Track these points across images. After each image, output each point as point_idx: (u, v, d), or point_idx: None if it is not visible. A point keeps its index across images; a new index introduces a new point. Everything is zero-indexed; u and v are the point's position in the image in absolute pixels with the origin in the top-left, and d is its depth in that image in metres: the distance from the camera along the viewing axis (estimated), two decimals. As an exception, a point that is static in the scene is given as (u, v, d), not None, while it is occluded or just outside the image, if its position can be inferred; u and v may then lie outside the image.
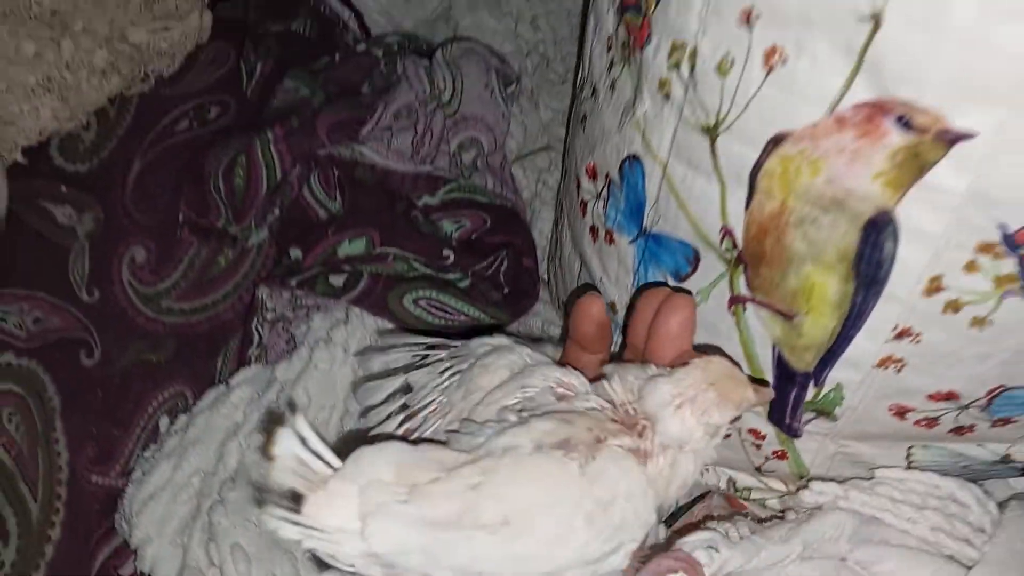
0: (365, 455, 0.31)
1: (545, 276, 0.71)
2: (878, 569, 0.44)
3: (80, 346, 0.67)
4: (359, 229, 0.66)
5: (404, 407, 0.40)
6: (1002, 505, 0.48)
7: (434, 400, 0.39)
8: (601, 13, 0.51)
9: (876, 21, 0.34)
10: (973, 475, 0.49)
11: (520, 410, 0.35)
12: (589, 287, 0.58)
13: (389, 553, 0.30)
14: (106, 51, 0.77)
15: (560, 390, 0.36)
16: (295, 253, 0.68)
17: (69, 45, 0.75)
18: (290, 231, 0.69)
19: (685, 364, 0.36)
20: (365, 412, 0.42)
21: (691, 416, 0.34)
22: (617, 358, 0.44)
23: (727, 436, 0.50)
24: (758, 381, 0.38)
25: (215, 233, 0.71)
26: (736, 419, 0.36)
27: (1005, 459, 0.48)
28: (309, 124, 0.68)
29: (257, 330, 0.65)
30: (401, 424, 0.40)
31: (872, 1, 0.34)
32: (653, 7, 0.44)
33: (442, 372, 0.40)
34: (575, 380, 0.37)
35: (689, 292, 0.46)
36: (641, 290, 0.48)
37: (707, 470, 0.57)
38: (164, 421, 0.63)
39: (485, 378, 0.38)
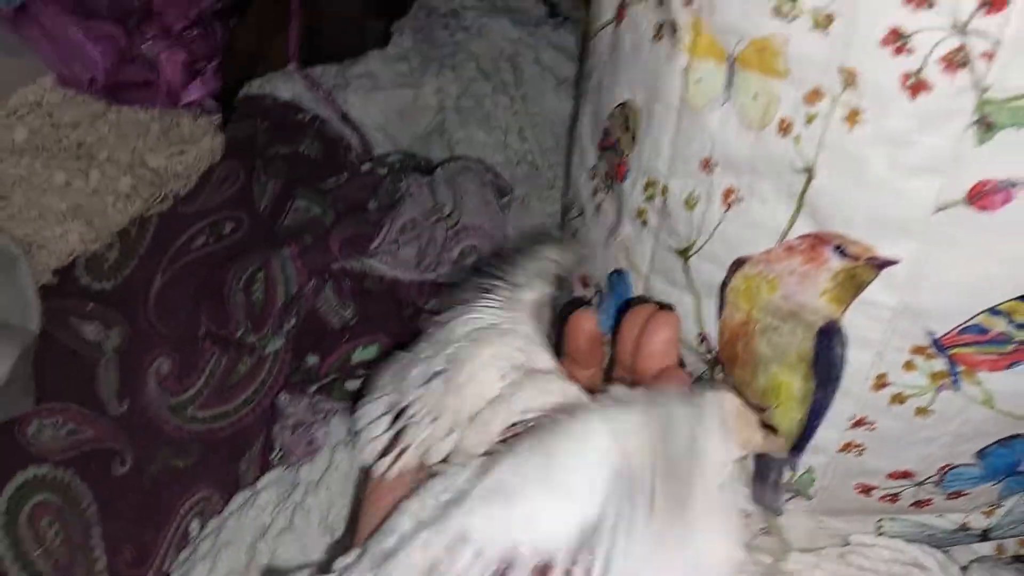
0: None
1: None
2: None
3: (112, 455, 0.73)
4: (371, 336, 0.74)
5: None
6: (965, 568, 0.54)
7: (421, 411, 0.38)
8: (584, 147, 0.60)
9: (809, 173, 0.43)
10: (938, 542, 0.56)
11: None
12: (580, 302, 0.63)
13: None
14: (129, 177, 0.85)
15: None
16: (311, 360, 0.75)
17: (96, 174, 0.84)
18: (306, 339, 0.76)
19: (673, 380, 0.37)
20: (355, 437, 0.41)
21: None
22: (607, 373, 0.45)
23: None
24: (770, 427, 0.38)
25: (234, 343, 0.78)
26: (743, 457, 0.35)
27: (964, 527, 0.55)
28: (322, 241, 0.76)
29: (278, 435, 0.71)
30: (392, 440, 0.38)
31: (804, 158, 0.42)
32: (629, 151, 0.53)
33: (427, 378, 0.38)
34: (578, 398, 0.36)
35: (672, 308, 0.52)
36: (627, 307, 0.49)
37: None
38: (195, 524, 0.69)
39: (473, 387, 0.37)
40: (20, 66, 0.82)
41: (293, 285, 0.76)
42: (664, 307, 0.45)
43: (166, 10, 0.87)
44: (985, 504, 0.54)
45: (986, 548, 0.59)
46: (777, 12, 0.40)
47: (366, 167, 0.85)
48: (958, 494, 0.52)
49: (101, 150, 0.86)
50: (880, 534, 0.56)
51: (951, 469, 0.50)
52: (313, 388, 0.71)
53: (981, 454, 0.49)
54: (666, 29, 0.47)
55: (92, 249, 0.84)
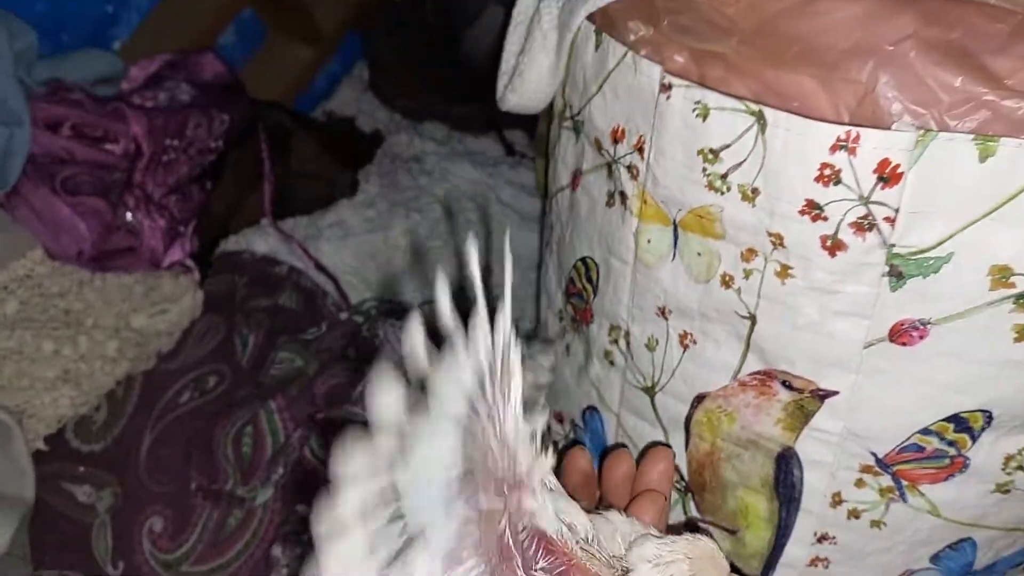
0: None
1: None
2: None
3: (111, 620, 0.75)
4: (360, 481, 0.77)
5: None
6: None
7: None
8: (551, 292, 0.66)
9: (752, 319, 0.49)
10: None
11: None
12: (576, 443, 0.68)
13: None
14: (115, 340, 0.90)
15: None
16: (302, 509, 0.78)
17: (84, 340, 0.88)
18: (295, 489, 0.80)
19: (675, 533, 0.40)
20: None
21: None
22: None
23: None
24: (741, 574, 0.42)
25: (224, 496, 0.81)
26: None
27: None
28: (307, 392, 0.80)
29: (275, 585, 0.74)
30: None
31: (747, 306, 0.49)
32: (592, 298, 0.59)
33: None
34: (581, 523, 0.39)
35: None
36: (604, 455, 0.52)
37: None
38: None
39: None
40: (11, 241, 0.87)
41: (280, 436, 0.80)
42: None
43: (146, 180, 0.93)
44: (950, 605, 0.59)
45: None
46: (710, 187, 0.47)
47: (343, 316, 0.90)
48: (922, 596, 0.57)
49: (88, 316, 0.90)
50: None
51: (912, 574, 0.55)
52: (306, 537, 0.75)
53: (935, 559, 0.54)
54: (616, 197, 0.54)
55: (81, 412, 0.88)
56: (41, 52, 0.92)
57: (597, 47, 0.53)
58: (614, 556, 0.38)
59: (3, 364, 0.86)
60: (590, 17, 0.53)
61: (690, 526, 0.52)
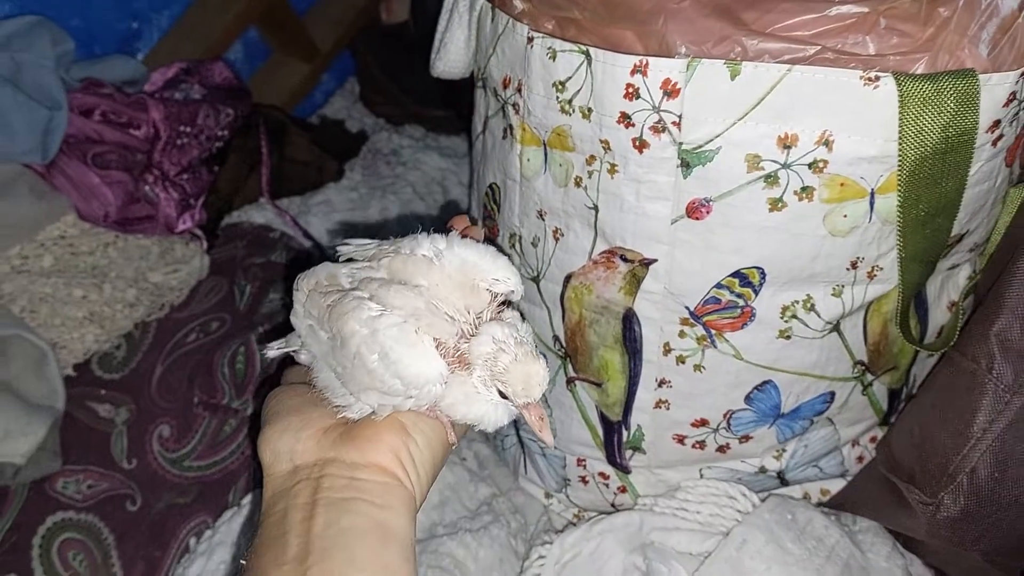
0: (309, 270, 0.57)
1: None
2: (671, 542, 0.72)
3: (125, 499, 0.95)
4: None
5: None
6: (764, 500, 0.77)
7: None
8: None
9: (596, 210, 0.69)
10: (748, 485, 0.78)
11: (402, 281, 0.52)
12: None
13: (294, 321, 0.56)
14: (134, 290, 1.10)
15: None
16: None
17: (108, 288, 1.09)
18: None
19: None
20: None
21: (488, 349, 0.50)
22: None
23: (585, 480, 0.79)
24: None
25: (221, 408, 1.01)
26: (503, 397, 0.51)
27: (762, 470, 0.78)
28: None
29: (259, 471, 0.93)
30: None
31: (591, 200, 0.68)
32: (498, 216, 0.79)
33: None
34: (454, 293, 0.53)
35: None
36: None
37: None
38: (193, 541, 0.90)
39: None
40: (49, 207, 1.08)
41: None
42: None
43: (163, 160, 1.14)
44: (771, 448, 0.77)
45: (796, 494, 0.81)
46: (562, 111, 0.68)
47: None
48: (747, 438, 0.75)
49: (111, 270, 1.11)
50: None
51: (732, 415, 0.74)
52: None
53: (748, 400, 0.73)
54: (508, 130, 0.74)
55: (104, 348, 1.08)
56: (76, 58, 1.14)
57: (492, 19, 0.74)
58: (468, 318, 0.52)
59: (40, 306, 1.07)
60: (489, -1, 0.74)
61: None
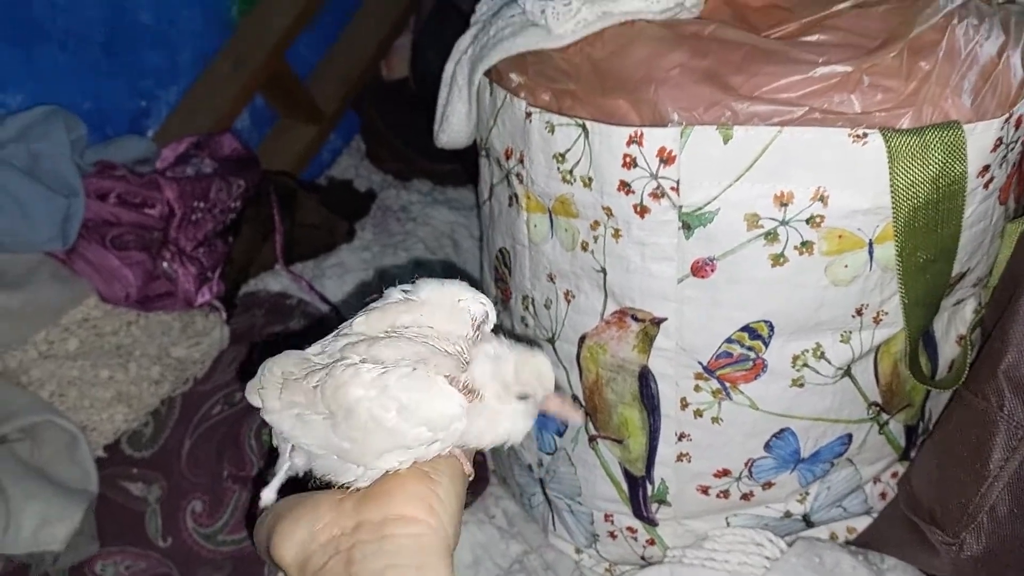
0: (267, 361, 0.52)
1: (491, 464, 1.04)
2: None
3: (163, 577, 0.97)
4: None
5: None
6: (791, 545, 0.78)
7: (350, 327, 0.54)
8: (487, 282, 0.89)
9: (604, 272, 0.71)
10: (774, 530, 0.80)
11: (385, 333, 0.50)
12: None
13: (272, 419, 0.51)
14: (158, 367, 1.14)
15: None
16: (312, 482, 1.00)
17: (133, 367, 1.12)
18: (306, 467, 1.02)
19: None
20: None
21: (489, 370, 0.49)
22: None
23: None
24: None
25: (251, 480, 1.04)
26: (524, 398, 0.51)
27: (787, 514, 0.80)
28: (312, 389, 1.03)
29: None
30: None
31: (599, 263, 0.71)
32: (509, 278, 0.82)
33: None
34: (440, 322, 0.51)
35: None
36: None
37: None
38: (233, 615, 0.92)
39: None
40: (71, 291, 1.12)
41: (293, 426, 1.03)
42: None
43: (179, 236, 1.18)
44: (795, 493, 0.79)
45: (823, 535, 0.83)
46: (563, 180, 0.71)
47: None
48: (770, 484, 0.77)
49: (135, 348, 1.15)
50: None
51: (753, 463, 0.76)
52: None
53: (767, 447, 0.75)
54: (513, 198, 0.77)
55: (132, 427, 1.11)
56: (89, 141, 1.18)
57: (491, 93, 0.77)
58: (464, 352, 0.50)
59: (68, 389, 1.10)
60: (486, 73, 0.78)
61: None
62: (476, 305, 0.52)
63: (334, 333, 0.54)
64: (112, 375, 1.12)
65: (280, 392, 0.52)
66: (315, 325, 1.19)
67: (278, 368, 0.52)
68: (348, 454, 0.50)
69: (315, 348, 0.53)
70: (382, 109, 1.58)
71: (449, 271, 1.28)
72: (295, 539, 0.50)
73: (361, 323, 0.52)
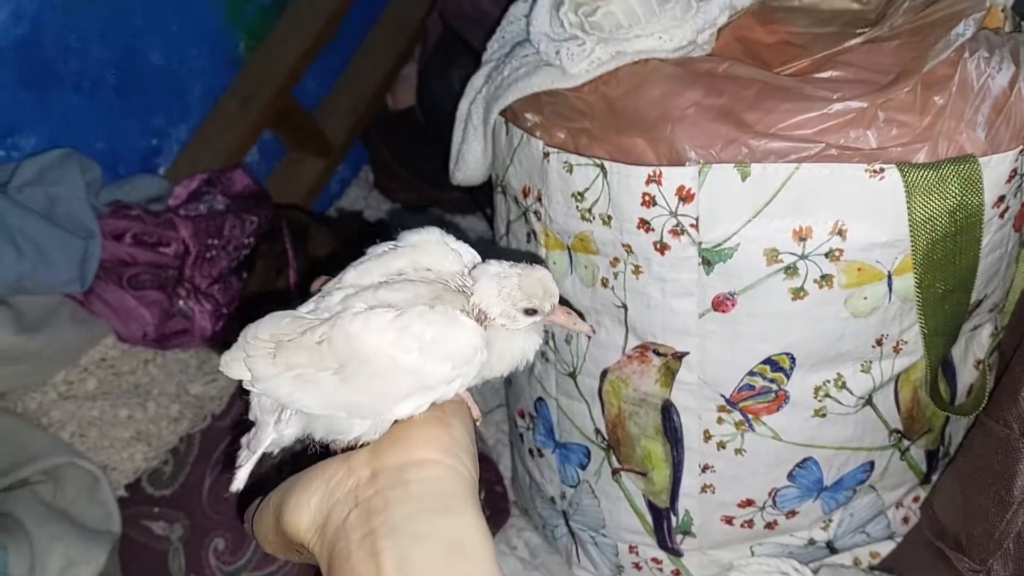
0: (248, 327, 0.48)
1: (511, 495, 1.04)
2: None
3: (188, 617, 0.98)
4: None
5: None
6: (817, 571, 0.79)
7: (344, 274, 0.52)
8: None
9: (625, 308, 0.72)
10: (799, 558, 0.81)
11: (382, 282, 0.49)
12: None
13: (266, 387, 0.48)
14: (177, 404, 1.15)
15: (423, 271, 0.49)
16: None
17: (152, 405, 1.13)
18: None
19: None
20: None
21: (494, 288, 0.48)
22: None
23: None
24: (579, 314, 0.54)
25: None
26: (532, 313, 0.49)
27: (811, 542, 0.81)
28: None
29: (315, 577, 0.96)
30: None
31: (619, 299, 0.72)
32: (527, 314, 0.83)
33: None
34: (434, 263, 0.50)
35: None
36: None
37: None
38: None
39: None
40: (90, 332, 1.13)
41: (313, 462, 1.04)
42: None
43: (194, 274, 1.19)
44: (818, 520, 0.80)
45: (846, 561, 0.83)
46: (583, 218, 0.72)
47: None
48: (793, 513, 0.78)
49: (153, 387, 1.15)
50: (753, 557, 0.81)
51: (777, 493, 0.77)
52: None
53: (790, 477, 0.76)
54: (531, 235, 0.79)
55: (152, 465, 1.12)
56: (103, 181, 1.20)
57: (507, 132, 0.78)
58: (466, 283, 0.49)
59: (88, 429, 1.11)
60: (502, 112, 0.79)
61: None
62: (461, 245, 0.51)
63: (321, 292, 0.51)
64: (131, 414, 1.13)
65: (274, 356, 0.48)
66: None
67: (264, 332, 0.49)
68: (360, 407, 0.48)
69: (307, 306, 0.51)
70: (388, 139, 1.59)
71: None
72: (310, 504, 0.47)
73: (353, 275, 0.51)
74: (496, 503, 1.01)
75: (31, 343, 1.05)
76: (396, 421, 0.48)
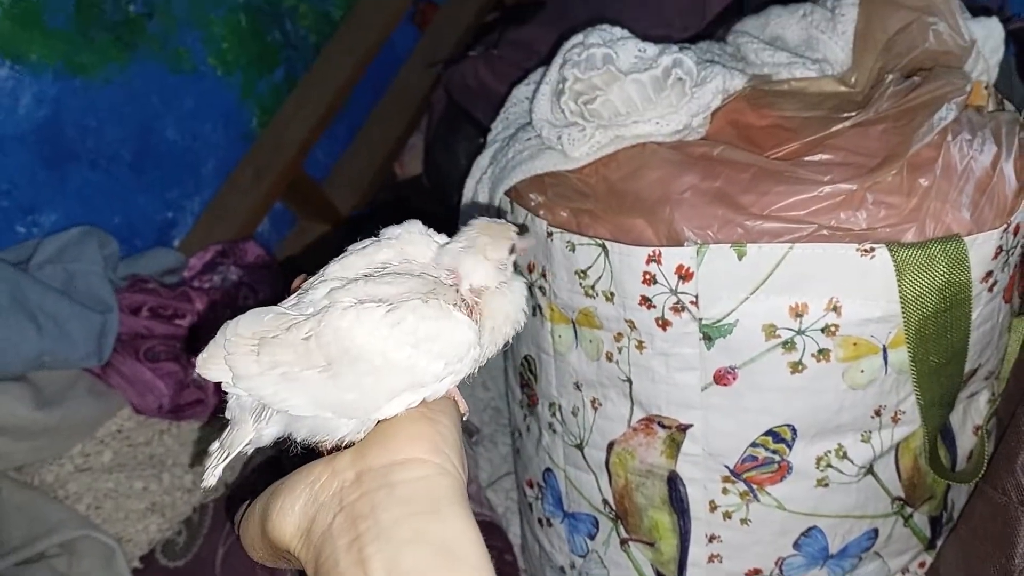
0: (227, 324, 0.46)
1: (521, 563, 1.05)
2: None
3: None
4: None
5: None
6: (826, 639, 0.80)
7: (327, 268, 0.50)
8: (513, 387, 0.93)
9: (630, 381, 0.75)
10: (809, 625, 0.82)
11: (367, 274, 0.47)
12: None
13: (249, 386, 0.46)
14: (191, 475, 1.16)
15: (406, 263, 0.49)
16: None
17: (167, 476, 1.15)
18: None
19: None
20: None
21: (477, 256, 0.48)
22: None
23: None
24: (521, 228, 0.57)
25: (287, 584, 1.06)
26: (512, 252, 0.50)
27: (820, 607, 0.82)
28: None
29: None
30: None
31: (624, 372, 0.75)
32: (535, 384, 0.85)
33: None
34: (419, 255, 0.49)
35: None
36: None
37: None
38: None
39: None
40: (106, 405, 1.16)
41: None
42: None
43: (208, 345, 1.22)
44: (828, 588, 0.81)
45: (856, 627, 0.84)
46: (586, 295, 0.75)
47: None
48: (801, 580, 0.79)
49: (168, 458, 1.18)
50: (764, 624, 0.82)
51: (783, 561, 0.78)
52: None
53: (796, 546, 0.77)
54: (537, 309, 0.81)
55: (166, 536, 1.14)
56: (120, 254, 1.23)
57: (511, 211, 0.82)
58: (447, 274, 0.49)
59: (104, 501, 1.13)
60: (507, 192, 0.82)
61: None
62: (443, 237, 0.51)
63: (302, 288, 0.50)
64: (146, 486, 1.15)
65: (257, 354, 0.46)
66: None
67: (246, 329, 0.47)
68: (348, 406, 0.46)
69: (290, 300, 0.49)
70: (397, 208, 1.63)
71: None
72: (294, 508, 0.45)
73: (336, 268, 0.49)
74: (506, 571, 1.02)
75: (49, 418, 1.08)
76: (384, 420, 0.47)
